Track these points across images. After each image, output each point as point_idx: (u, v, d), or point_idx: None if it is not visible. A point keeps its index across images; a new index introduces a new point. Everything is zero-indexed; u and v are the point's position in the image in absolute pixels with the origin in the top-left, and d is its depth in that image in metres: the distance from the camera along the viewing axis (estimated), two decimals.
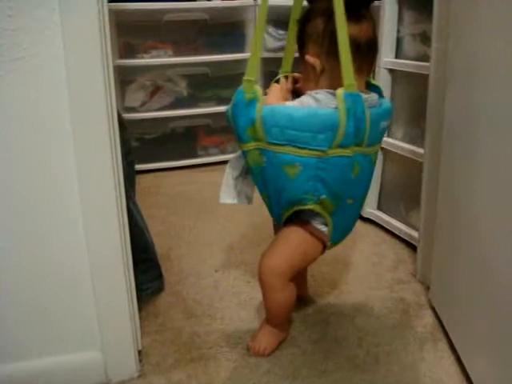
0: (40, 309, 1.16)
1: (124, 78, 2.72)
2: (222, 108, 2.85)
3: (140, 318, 1.31)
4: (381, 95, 1.25)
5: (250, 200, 1.32)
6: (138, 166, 2.60)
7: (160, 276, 1.59)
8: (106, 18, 1.06)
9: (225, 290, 1.61)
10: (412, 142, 1.84)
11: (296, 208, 1.19)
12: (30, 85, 1.00)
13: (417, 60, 1.78)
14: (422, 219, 1.62)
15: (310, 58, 1.17)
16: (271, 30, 2.76)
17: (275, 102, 1.17)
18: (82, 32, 1.01)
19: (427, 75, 1.53)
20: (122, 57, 2.65)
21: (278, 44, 2.79)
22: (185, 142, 2.91)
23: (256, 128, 1.13)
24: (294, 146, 1.10)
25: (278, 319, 1.34)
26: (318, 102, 1.13)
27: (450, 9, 1.32)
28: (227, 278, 1.68)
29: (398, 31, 1.90)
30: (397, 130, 1.96)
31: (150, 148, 2.82)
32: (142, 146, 2.81)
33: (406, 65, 1.83)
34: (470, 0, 1.19)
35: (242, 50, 2.82)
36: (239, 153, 1.26)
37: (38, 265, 1.13)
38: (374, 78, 1.29)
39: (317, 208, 1.17)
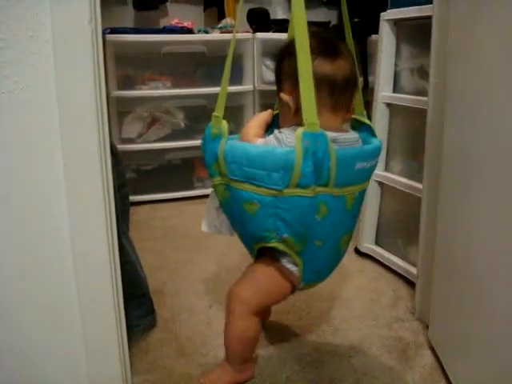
0: (25, 348, 1.12)
1: (122, 109, 2.72)
2: None
3: (130, 355, 1.27)
4: (373, 134, 1.24)
5: (231, 232, 1.31)
6: (135, 198, 2.61)
7: (152, 312, 1.55)
8: (101, 50, 1.05)
9: (219, 327, 1.56)
10: (410, 176, 1.83)
11: (260, 245, 1.17)
12: (21, 117, 0.98)
13: (414, 94, 1.78)
14: (421, 255, 1.60)
15: (283, 96, 1.16)
16: (269, 63, 2.77)
17: (249, 133, 1.18)
18: (75, 64, 0.99)
19: (425, 109, 1.52)
20: (120, 88, 2.66)
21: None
22: (181, 173, 2.91)
23: (219, 163, 1.15)
24: (251, 184, 1.09)
25: (235, 354, 1.29)
26: (278, 142, 1.11)
27: (449, 44, 1.31)
28: (221, 314, 1.64)
29: (396, 65, 1.90)
30: (395, 164, 1.94)
31: (147, 179, 2.82)
32: (139, 178, 2.80)
33: (404, 99, 1.82)
34: (468, 35, 1.19)
35: (239, 83, 2.83)
36: None
37: (25, 301, 1.09)
38: (366, 115, 1.28)
39: (280, 246, 1.13)
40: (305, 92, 1.02)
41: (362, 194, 1.19)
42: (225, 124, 1.18)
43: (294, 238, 1.11)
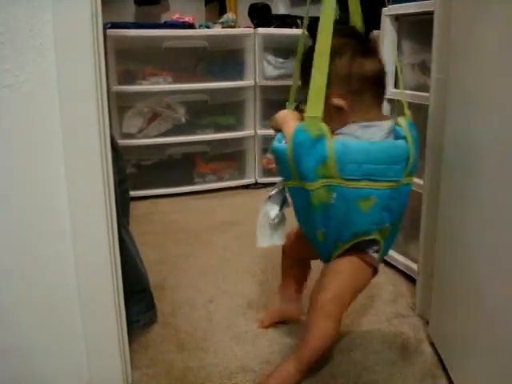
0: (26, 345, 1.12)
1: (122, 104, 2.72)
2: (220, 135, 2.86)
3: (131, 350, 1.27)
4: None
5: (283, 239, 1.33)
6: (135, 193, 2.60)
7: (152, 307, 1.55)
8: (102, 45, 1.05)
9: (219, 322, 1.57)
10: None
11: (359, 239, 1.19)
12: (21, 112, 0.98)
13: (416, 90, 1.77)
14: (422, 252, 1.59)
15: (338, 101, 1.16)
16: (270, 58, 2.76)
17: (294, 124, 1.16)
18: (76, 59, 0.99)
19: (426, 105, 1.51)
20: (120, 83, 2.66)
21: (276, 72, 2.79)
22: (182, 168, 2.90)
23: (328, 165, 1.10)
24: (370, 180, 1.11)
25: (315, 356, 1.25)
26: (359, 139, 1.14)
27: (451, 39, 1.30)
28: (222, 309, 1.64)
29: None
30: None
31: (147, 174, 2.81)
32: (139, 172, 2.80)
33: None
34: (470, 31, 1.18)
35: (240, 78, 2.82)
36: (279, 188, 1.28)
37: (26, 300, 1.09)
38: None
39: (378, 236, 1.20)
40: (314, 90, 1.09)
41: None
42: (323, 124, 1.11)
43: (391, 225, 1.18)
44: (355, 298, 1.30)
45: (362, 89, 1.16)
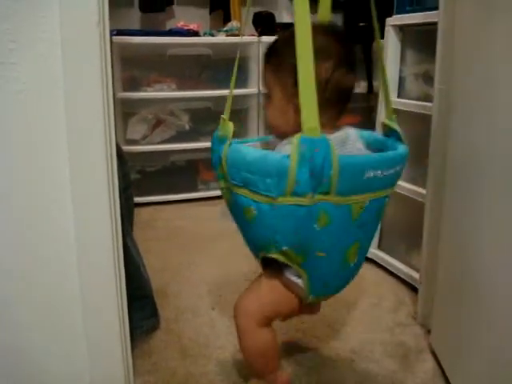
0: (28, 348, 1.12)
1: (127, 111, 2.73)
2: None
3: (133, 356, 1.27)
4: (400, 140, 1.18)
5: None
6: (138, 199, 2.61)
7: (155, 313, 1.56)
8: (109, 52, 1.06)
9: (221, 329, 1.57)
10: (414, 182, 1.83)
11: (262, 254, 1.13)
12: (28, 118, 0.99)
13: (419, 100, 1.78)
14: (424, 261, 1.60)
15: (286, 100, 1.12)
16: None
17: None
18: (83, 66, 1.00)
19: (429, 115, 1.52)
20: (125, 89, 2.67)
21: None
22: (185, 175, 2.91)
23: (222, 166, 1.09)
24: (247, 189, 1.04)
25: (256, 367, 1.25)
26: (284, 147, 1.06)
27: (455, 50, 1.31)
28: (224, 316, 1.64)
29: (401, 71, 1.90)
30: None
31: (151, 181, 2.82)
32: (143, 179, 2.81)
33: (408, 104, 1.83)
34: (474, 42, 1.19)
35: (245, 86, 2.84)
36: None
37: (26, 301, 1.09)
38: (375, 119, 1.26)
39: (280, 258, 1.07)
40: (305, 95, 0.96)
41: (378, 202, 1.10)
42: (231, 126, 1.12)
43: (294, 249, 1.05)
44: (276, 316, 1.23)
45: (333, 100, 1.08)
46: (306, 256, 1.07)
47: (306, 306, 1.25)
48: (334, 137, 1.07)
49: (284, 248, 1.05)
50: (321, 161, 0.95)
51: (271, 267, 1.17)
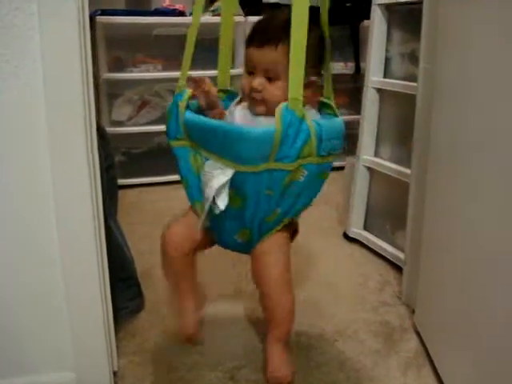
0: (12, 329, 1.12)
1: (112, 92, 2.70)
2: None
3: (117, 338, 1.28)
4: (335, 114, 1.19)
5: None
6: (124, 181, 2.59)
7: (140, 295, 1.55)
8: (88, 25, 1.05)
9: (206, 310, 1.56)
10: (399, 162, 1.83)
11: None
12: (4, 92, 0.98)
13: (406, 80, 1.78)
14: (408, 241, 1.60)
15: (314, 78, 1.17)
16: None
17: None
18: (61, 38, 0.99)
19: (415, 95, 1.51)
20: (110, 70, 2.64)
21: None
22: (171, 157, 2.87)
23: (310, 144, 1.09)
24: (332, 155, 1.13)
25: (292, 327, 1.24)
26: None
27: (439, 29, 1.30)
28: (209, 295, 1.64)
29: (387, 50, 1.89)
30: (384, 149, 1.95)
31: (136, 162, 2.81)
32: (128, 161, 2.79)
33: (394, 84, 1.82)
34: (458, 20, 1.18)
35: (231, 67, 2.80)
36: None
37: (11, 285, 1.09)
38: (355, 101, 1.26)
39: None
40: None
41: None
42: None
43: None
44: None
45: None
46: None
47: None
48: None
49: None
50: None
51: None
